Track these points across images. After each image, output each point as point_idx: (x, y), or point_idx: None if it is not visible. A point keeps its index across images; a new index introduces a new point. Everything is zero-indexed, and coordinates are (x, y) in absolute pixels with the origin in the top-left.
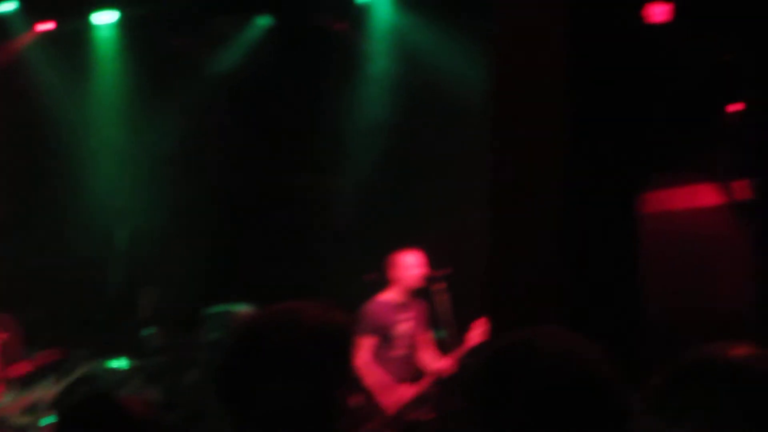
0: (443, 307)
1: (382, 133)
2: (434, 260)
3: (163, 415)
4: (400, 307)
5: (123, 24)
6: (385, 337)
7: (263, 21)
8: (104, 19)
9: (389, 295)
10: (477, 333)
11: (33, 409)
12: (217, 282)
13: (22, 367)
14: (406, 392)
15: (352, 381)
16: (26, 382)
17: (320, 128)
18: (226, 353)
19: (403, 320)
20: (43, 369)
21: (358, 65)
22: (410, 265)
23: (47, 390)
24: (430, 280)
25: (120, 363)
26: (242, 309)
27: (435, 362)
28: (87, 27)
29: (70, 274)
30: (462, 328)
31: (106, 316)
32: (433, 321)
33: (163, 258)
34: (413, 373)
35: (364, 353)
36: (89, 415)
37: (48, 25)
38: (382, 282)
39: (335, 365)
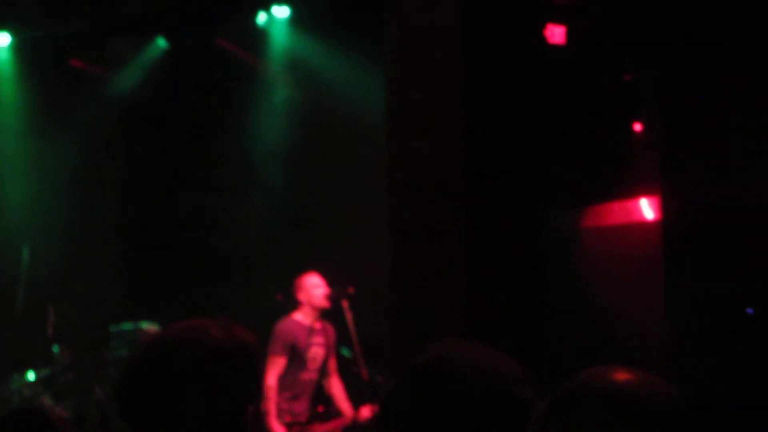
0: (348, 325)
1: (285, 156)
2: (338, 281)
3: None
4: (311, 330)
5: (20, 46)
6: (296, 357)
7: (162, 43)
8: (1, 41)
9: (300, 317)
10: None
11: None
12: (124, 300)
13: None
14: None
15: (258, 399)
16: None
17: (223, 151)
18: (129, 371)
19: (314, 344)
20: None
21: (258, 88)
22: (314, 285)
23: None
24: (334, 299)
25: (28, 379)
26: (149, 326)
27: (342, 394)
28: None
29: None
30: (366, 346)
31: (14, 333)
32: (338, 340)
33: (71, 275)
34: (319, 397)
35: (272, 374)
36: (19, 428)
37: None
38: (290, 304)
39: (242, 383)
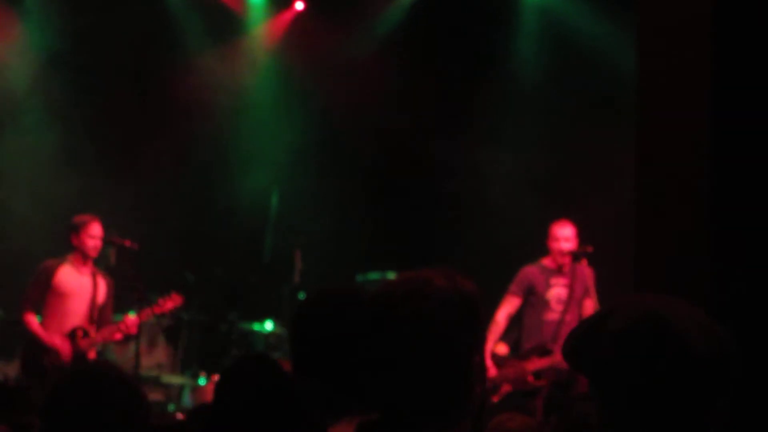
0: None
1: (539, 109)
2: (581, 237)
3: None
4: (554, 272)
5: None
6: (535, 298)
7: None
8: None
9: (547, 261)
10: None
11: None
12: (372, 249)
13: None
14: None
15: (482, 346)
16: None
17: (480, 98)
18: (350, 327)
19: (555, 285)
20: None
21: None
22: (560, 237)
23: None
24: (575, 254)
25: (271, 326)
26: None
27: None
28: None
29: (225, 239)
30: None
31: (260, 279)
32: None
33: (319, 222)
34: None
35: (502, 310)
36: (247, 374)
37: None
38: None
39: (466, 332)
